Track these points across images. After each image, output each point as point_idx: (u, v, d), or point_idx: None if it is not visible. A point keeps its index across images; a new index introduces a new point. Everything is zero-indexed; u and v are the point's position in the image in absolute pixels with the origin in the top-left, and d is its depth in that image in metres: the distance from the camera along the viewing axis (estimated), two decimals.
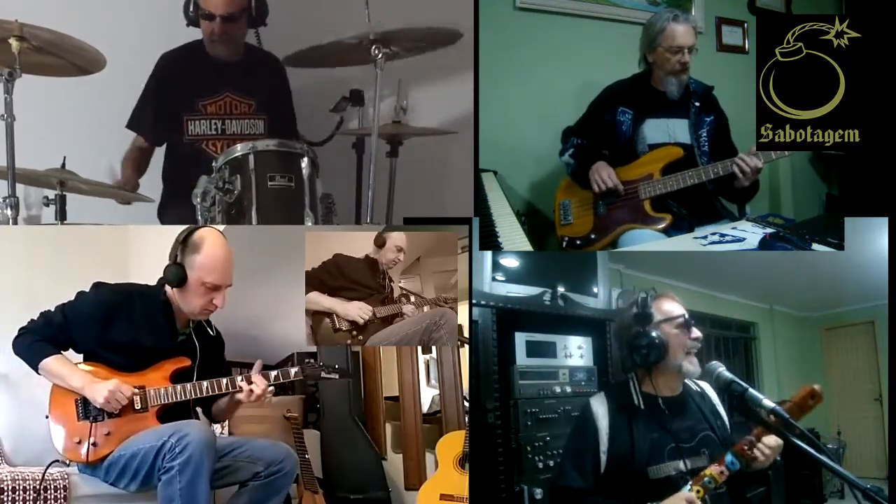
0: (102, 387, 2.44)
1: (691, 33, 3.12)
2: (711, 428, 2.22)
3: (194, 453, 2.29)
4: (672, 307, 2.23)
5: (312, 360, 2.69)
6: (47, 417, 2.50)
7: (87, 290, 2.57)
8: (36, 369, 2.50)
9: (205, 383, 2.52)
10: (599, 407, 2.21)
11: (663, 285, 3.87)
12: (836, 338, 4.82)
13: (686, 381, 2.25)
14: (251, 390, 2.50)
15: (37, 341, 2.50)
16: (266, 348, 3.32)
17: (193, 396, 2.51)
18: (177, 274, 2.52)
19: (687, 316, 2.22)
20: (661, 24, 3.11)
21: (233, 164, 3.03)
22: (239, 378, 2.53)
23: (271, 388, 2.54)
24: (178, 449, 2.29)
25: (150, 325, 2.55)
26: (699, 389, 2.29)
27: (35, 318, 2.54)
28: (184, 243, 2.54)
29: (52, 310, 2.54)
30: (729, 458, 1.99)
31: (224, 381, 2.53)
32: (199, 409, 2.64)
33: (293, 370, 2.59)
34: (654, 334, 2.17)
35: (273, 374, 2.55)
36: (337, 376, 2.69)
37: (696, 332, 2.20)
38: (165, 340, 2.56)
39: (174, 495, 2.29)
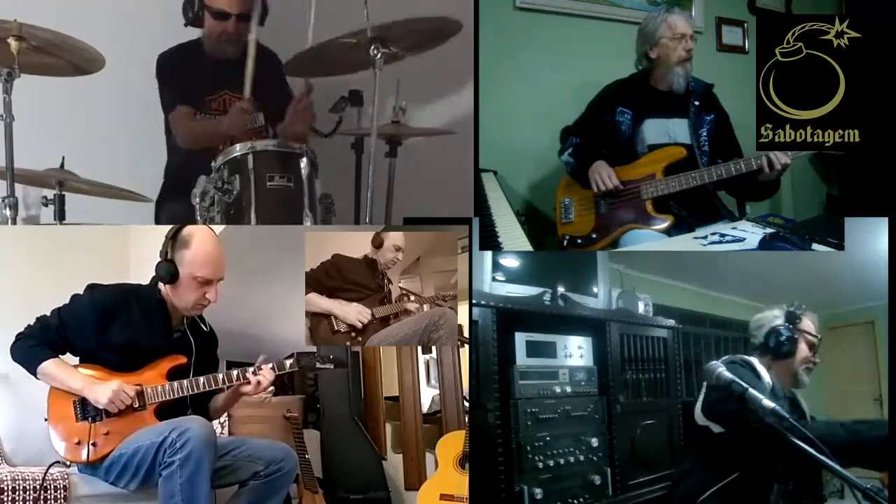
0: (105, 387, 2.45)
1: (689, 23, 3.16)
2: None
3: (195, 448, 2.29)
4: (812, 326, 2.58)
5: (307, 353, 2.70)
6: (46, 421, 2.50)
7: (82, 292, 2.56)
8: (34, 374, 2.50)
9: (202, 379, 2.52)
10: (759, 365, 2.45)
11: (663, 285, 3.87)
12: (836, 338, 4.80)
13: None
14: (258, 381, 2.52)
15: (34, 346, 2.50)
16: (266, 348, 3.29)
17: (191, 392, 2.52)
18: (168, 270, 2.53)
19: (819, 340, 2.58)
20: (661, 17, 3.15)
21: (231, 164, 3.03)
22: (249, 370, 2.54)
23: (272, 388, 2.54)
24: (178, 444, 2.30)
25: (147, 324, 2.55)
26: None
27: (31, 324, 2.54)
28: (173, 239, 2.56)
29: (48, 314, 2.54)
30: None
31: (220, 376, 2.54)
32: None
33: (288, 361, 2.60)
34: (794, 335, 2.52)
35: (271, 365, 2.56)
36: (332, 366, 2.70)
37: (817, 358, 2.56)
38: (162, 338, 2.57)
39: (175, 490, 2.29)
